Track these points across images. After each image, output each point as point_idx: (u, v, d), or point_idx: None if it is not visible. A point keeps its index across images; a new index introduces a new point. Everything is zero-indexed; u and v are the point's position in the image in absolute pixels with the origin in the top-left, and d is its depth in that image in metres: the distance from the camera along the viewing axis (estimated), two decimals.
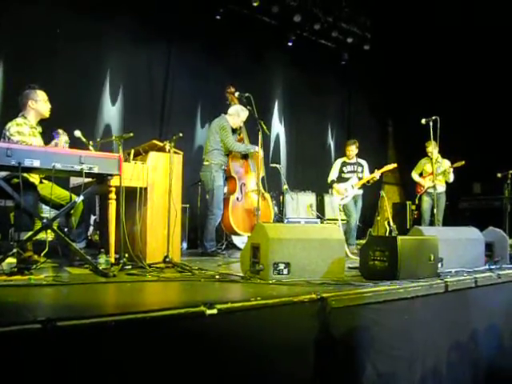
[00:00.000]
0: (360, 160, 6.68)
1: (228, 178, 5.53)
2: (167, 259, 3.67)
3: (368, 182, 6.52)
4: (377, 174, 6.44)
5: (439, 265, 3.40)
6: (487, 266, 3.81)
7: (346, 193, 6.45)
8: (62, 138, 3.71)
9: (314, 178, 9.15)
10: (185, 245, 6.44)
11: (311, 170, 9.23)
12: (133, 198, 3.80)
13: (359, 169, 6.59)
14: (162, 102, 7.38)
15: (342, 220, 6.29)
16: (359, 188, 6.52)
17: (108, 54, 6.91)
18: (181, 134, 3.90)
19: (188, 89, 7.53)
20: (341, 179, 6.57)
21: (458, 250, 3.73)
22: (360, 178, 6.52)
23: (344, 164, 6.63)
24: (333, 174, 6.64)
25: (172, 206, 3.84)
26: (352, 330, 2.43)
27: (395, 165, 6.65)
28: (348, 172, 6.58)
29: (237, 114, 5.48)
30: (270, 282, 2.85)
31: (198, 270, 3.48)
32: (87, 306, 2.16)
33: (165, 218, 3.84)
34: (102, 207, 5.42)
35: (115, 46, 6.92)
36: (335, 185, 6.55)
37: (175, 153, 4.01)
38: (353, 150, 6.60)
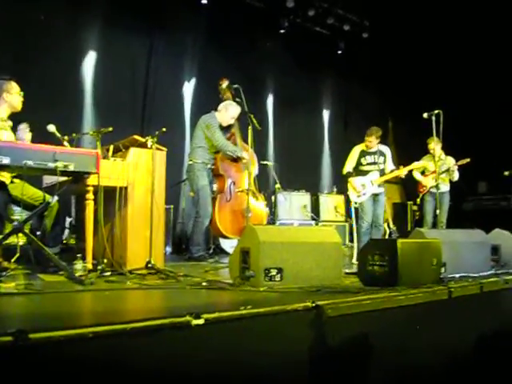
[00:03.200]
0: (382, 147, 6.06)
1: (216, 176, 5.53)
2: (149, 265, 3.65)
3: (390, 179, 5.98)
4: (402, 172, 5.90)
5: (442, 270, 3.43)
6: (493, 271, 3.85)
7: (363, 190, 5.85)
8: (23, 132, 3.67)
9: (309, 177, 9.19)
10: (169, 249, 6.43)
11: (305, 168, 9.26)
12: (112, 198, 3.77)
13: (381, 159, 5.96)
14: (144, 95, 7.36)
15: (362, 221, 5.78)
16: (380, 186, 5.90)
17: (86, 43, 6.87)
18: (164, 129, 3.88)
19: (173, 81, 7.53)
20: (358, 172, 5.97)
21: (463, 253, 3.76)
22: (382, 171, 5.94)
23: (363, 153, 5.99)
24: (349, 165, 6.02)
25: (155, 207, 3.82)
26: (350, 340, 2.44)
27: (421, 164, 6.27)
28: (368, 164, 5.95)
29: (225, 110, 5.47)
30: (261, 289, 2.85)
31: (183, 276, 3.47)
32: (62, 317, 2.14)
33: (147, 220, 3.82)
34: (78, 208, 5.38)
35: (93, 36, 6.89)
36: (351, 179, 5.93)
37: (158, 149, 3.99)
38: (373, 140, 5.94)
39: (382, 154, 5.99)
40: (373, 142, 5.90)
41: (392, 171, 5.98)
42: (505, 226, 4.86)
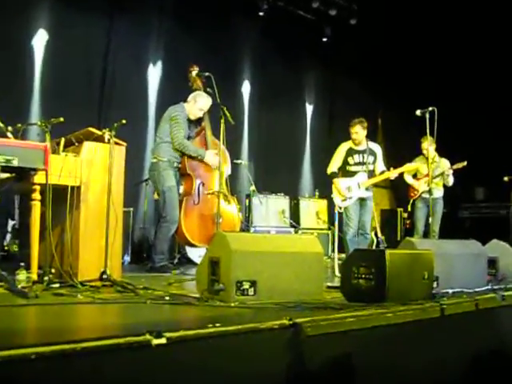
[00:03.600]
0: (372, 145, 6.08)
1: (183, 175, 5.52)
2: (105, 276, 3.62)
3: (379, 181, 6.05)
4: (392, 174, 5.94)
5: (434, 284, 3.48)
6: (490, 286, 3.92)
7: (348, 193, 5.85)
8: None
9: (288, 178, 9.23)
10: (127, 258, 6.38)
11: (284, 168, 9.30)
12: (62, 199, 3.72)
13: (370, 159, 5.96)
14: (102, 82, 7.28)
15: (347, 228, 5.85)
16: (367, 189, 5.94)
17: (35, 22, 6.76)
18: (124, 121, 3.85)
19: (136, 66, 7.48)
20: (345, 172, 5.98)
21: (457, 266, 3.83)
22: (371, 173, 5.96)
23: (350, 152, 5.98)
24: (335, 164, 6.02)
25: (112, 210, 3.79)
26: (331, 361, 2.45)
27: (408, 166, 6.33)
28: (355, 164, 5.96)
29: (193, 101, 5.46)
30: (232, 304, 2.86)
31: (143, 289, 3.45)
32: (2, 335, 2.10)
33: (102, 225, 3.78)
34: (22, 210, 5.27)
35: (44, 13, 6.78)
36: (336, 180, 5.94)
37: (117, 144, 3.96)
38: (359, 132, 5.90)
39: (371, 152, 6.01)
40: (359, 133, 5.90)
41: (382, 173, 6.02)
42: (503, 237, 4.98)
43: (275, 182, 8.97)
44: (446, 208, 7.41)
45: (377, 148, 6.12)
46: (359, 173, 5.93)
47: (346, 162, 5.98)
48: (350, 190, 5.88)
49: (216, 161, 5.30)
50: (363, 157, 5.96)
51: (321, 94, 10.41)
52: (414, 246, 3.73)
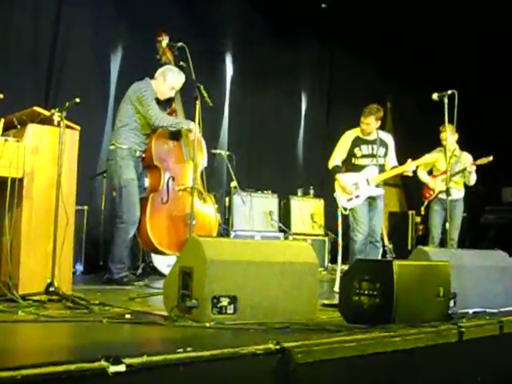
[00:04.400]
0: (383, 135, 6.12)
1: (149, 167, 5.50)
2: (52, 288, 3.60)
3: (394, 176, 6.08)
4: (409, 167, 5.89)
5: (451, 303, 3.51)
6: None
7: (355, 191, 5.84)
8: None
9: (277, 173, 9.23)
10: (80, 267, 6.35)
11: (273, 161, 9.32)
12: (0, 193, 3.70)
13: (381, 151, 5.97)
14: (51, 51, 7.20)
15: (354, 234, 5.82)
16: (378, 186, 5.96)
17: None
18: (77, 100, 3.84)
19: (92, 33, 7.41)
20: (351, 166, 5.98)
21: (479, 282, 3.86)
22: (382, 167, 5.97)
23: (358, 142, 5.97)
24: (338, 156, 6.01)
25: (61, 208, 3.77)
26: None
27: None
28: (363, 156, 5.95)
29: (162, 78, 5.44)
30: (208, 324, 2.85)
31: (98, 305, 3.44)
32: None
33: (49, 226, 3.76)
34: None
35: None
36: (340, 176, 5.90)
37: (68, 127, 3.94)
38: (371, 123, 5.87)
39: (382, 143, 6.01)
40: (371, 124, 5.87)
41: (395, 167, 6.01)
42: None
43: (261, 177, 8.98)
44: (467, 212, 7.46)
45: (388, 138, 6.14)
46: (368, 166, 5.91)
47: (351, 154, 5.95)
48: (357, 188, 5.85)
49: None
50: (373, 148, 5.94)
51: (317, 73, 10.43)
52: (427, 256, 3.75)
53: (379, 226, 6.04)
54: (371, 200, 5.93)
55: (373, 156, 5.92)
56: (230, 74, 9.21)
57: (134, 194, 5.27)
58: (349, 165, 5.97)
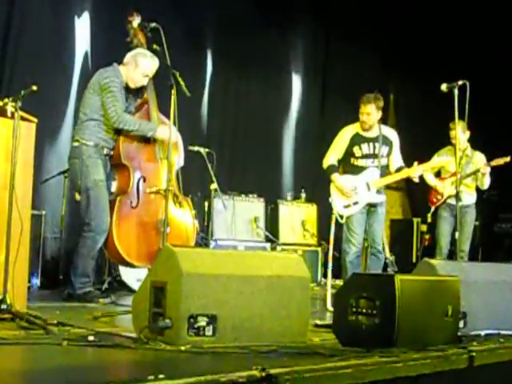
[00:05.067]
0: (386, 131, 6.13)
1: (116, 166, 5.49)
2: (3, 306, 3.57)
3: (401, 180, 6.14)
4: (415, 173, 5.86)
5: (461, 323, 3.52)
6: None
7: (354, 196, 5.87)
8: None
9: (264, 174, 9.22)
10: (37, 281, 6.31)
11: (260, 160, 9.30)
12: None
13: (384, 150, 6.00)
14: (5, 33, 7.15)
15: (348, 245, 5.87)
16: (379, 191, 5.99)
17: None
18: (35, 87, 3.82)
19: (54, 13, 7.37)
20: (349, 167, 6.01)
21: (492, 299, 3.88)
22: (384, 169, 5.96)
23: (357, 139, 5.98)
24: (334, 154, 6.04)
25: (16, 213, 3.75)
26: None
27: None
28: (363, 156, 5.96)
29: (133, 63, 5.42)
30: (183, 348, 2.84)
31: (57, 325, 3.40)
32: None
33: (1, 234, 3.74)
34: None
35: None
36: (336, 176, 5.93)
37: (24, 119, 3.93)
38: (372, 112, 5.87)
39: (386, 141, 6.03)
40: (372, 115, 5.87)
41: (400, 169, 6.01)
42: None
43: (246, 178, 8.97)
44: (479, 219, 7.49)
45: (393, 134, 6.15)
46: (369, 168, 5.93)
47: (350, 153, 5.97)
48: (356, 192, 5.87)
49: (172, 132, 5.23)
50: (374, 147, 5.96)
51: (311, 57, 10.42)
52: (434, 270, 3.76)
53: (380, 234, 6.08)
54: (370, 207, 5.96)
55: (374, 156, 5.93)
56: (211, 60, 9.19)
57: (104, 197, 5.25)
58: (347, 166, 6.00)
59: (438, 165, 6.46)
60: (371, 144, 5.95)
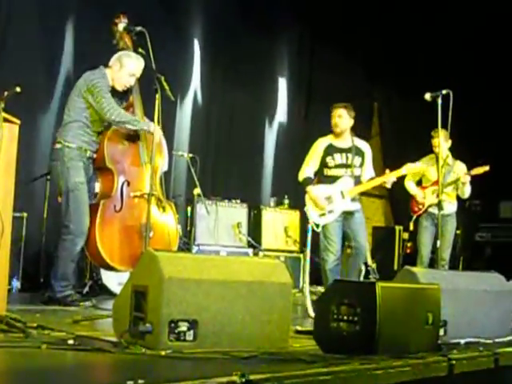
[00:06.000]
0: (359, 143, 6.26)
1: (100, 170, 5.46)
2: None
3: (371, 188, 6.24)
4: (389, 179, 6.05)
5: (441, 331, 3.53)
6: None
7: (328, 205, 5.95)
8: None
9: (248, 179, 9.22)
10: (17, 283, 6.27)
11: (243, 165, 9.30)
12: None
13: (357, 160, 6.12)
14: None
15: (326, 254, 5.91)
16: (354, 199, 6.06)
17: None
18: (18, 89, 3.80)
19: (39, 13, 7.33)
20: (323, 177, 6.11)
21: (472, 308, 3.90)
22: (357, 179, 6.13)
23: (330, 150, 6.10)
24: (310, 167, 6.15)
25: None
26: None
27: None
28: (336, 166, 6.07)
29: (119, 65, 5.40)
30: (163, 353, 2.82)
31: (37, 328, 3.39)
32: None
33: None
34: None
35: None
36: (311, 188, 6.04)
37: (6, 121, 3.90)
38: (343, 116, 6.05)
39: (358, 152, 6.14)
40: (343, 117, 6.00)
41: (372, 179, 6.15)
42: None
43: (229, 184, 8.96)
44: (461, 228, 7.52)
45: (365, 147, 6.27)
46: (343, 177, 6.01)
47: (324, 164, 6.07)
48: (330, 202, 5.94)
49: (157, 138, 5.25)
50: (347, 157, 6.06)
51: (296, 67, 10.42)
52: (415, 278, 3.76)
53: (363, 234, 6.18)
54: (347, 215, 6.01)
55: (347, 166, 6.04)
56: (197, 64, 9.17)
57: (84, 200, 5.22)
58: (321, 176, 6.10)
59: (411, 171, 6.48)
60: (344, 154, 6.07)
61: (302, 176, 6.12)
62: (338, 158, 6.05)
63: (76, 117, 5.26)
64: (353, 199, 6.00)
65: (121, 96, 5.54)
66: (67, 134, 5.25)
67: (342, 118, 6.00)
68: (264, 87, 9.96)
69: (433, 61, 9.86)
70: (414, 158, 7.32)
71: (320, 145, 6.12)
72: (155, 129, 5.26)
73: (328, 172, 6.06)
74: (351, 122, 6.08)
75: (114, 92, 5.40)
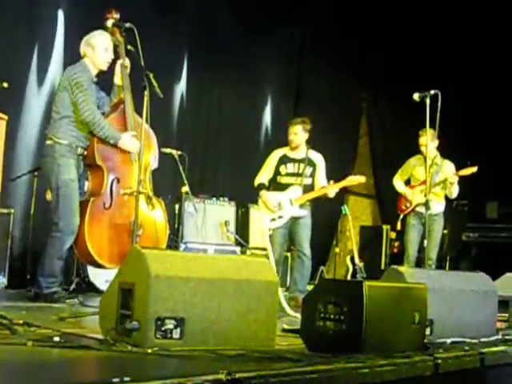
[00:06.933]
0: (313, 154, 6.76)
1: (90, 167, 5.44)
2: None
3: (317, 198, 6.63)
4: (332, 191, 6.54)
5: (427, 330, 3.54)
6: (500, 336, 4.03)
7: (278, 211, 6.50)
8: None
9: (236, 177, 9.20)
10: (3, 280, 6.24)
11: (232, 163, 9.29)
12: None
13: (308, 170, 6.66)
14: None
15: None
16: (302, 206, 6.56)
17: None
18: (6, 84, 3.78)
19: (27, 8, 7.29)
20: (275, 184, 6.66)
21: (458, 307, 3.92)
22: (308, 187, 6.60)
23: (283, 160, 6.68)
24: (264, 174, 6.72)
25: None
26: None
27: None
28: (287, 174, 6.65)
29: (90, 48, 5.35)
30: (149, 350, 2.82)
31: (23, 325, 3.37)
32: None
33: None
34: None
35: None
36: (264, 192, 6.62)
37: None
38: (298, 133, 6.62)
39: (310, 163, 6.65)
40: (298, 135, 6.56)
41: (322, 188, 6.61)
42: None
43: (217, 181, 8.95)
44: (448, 228, 7.54)
45: (318, 158, 6.74)
46: (292, 186, 6.52)
47: (277, 172, 6.62)
48: (280, 208, 6.45)
49: (137, 145, 5.21)
50: (299, 167, 6.60)
51: (284, 67, 10.42)
52: (402, 277, 3.77)
53: (307, 239, 6.59)
54: (294, 220, 6.53)
55: (298, 175, 6.57)
56: (185, 62, 9.15)
57: (74, 197, 5.19)
58: (274, 183, 6.63)
59: (352, 182, 6.97)
60: (297, 164, 6.62)
61: (256, 182, 6.71)
62: (291, 168, 6.61)
63: (64, 112, 5.24)
64: (301, 206, 6.49)
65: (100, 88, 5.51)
66: (58, 131, 5.23)
67: (298, 136, 6.58)
68: (253, 88, 9.95)
69: (421, 61, 9.87)
70: (402, 157, 7.38)
71: (275, 155, 6.73)
72: (127, 142, 5.27)
73: (280, 180, 6.62)
74: (306, 136, 6.65)
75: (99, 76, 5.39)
